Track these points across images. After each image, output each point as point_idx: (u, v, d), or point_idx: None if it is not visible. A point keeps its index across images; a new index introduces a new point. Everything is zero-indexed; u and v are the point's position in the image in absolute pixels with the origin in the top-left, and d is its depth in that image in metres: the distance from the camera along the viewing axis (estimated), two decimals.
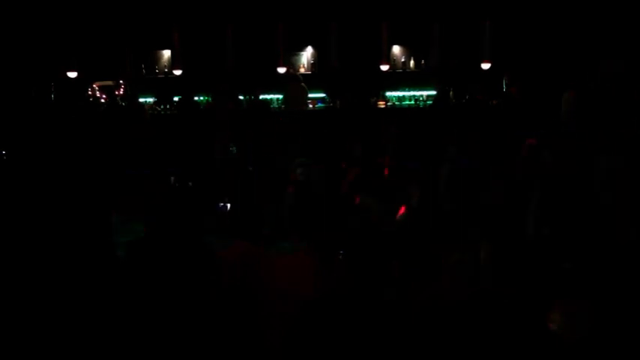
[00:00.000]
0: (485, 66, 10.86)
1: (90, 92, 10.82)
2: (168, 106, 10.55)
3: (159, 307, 1.89)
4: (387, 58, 11.05)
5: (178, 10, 10.63)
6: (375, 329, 1.90)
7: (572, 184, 5.12)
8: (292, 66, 11.23)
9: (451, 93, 10.61)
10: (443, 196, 5.85)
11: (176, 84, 10.86)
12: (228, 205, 4.29)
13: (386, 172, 6.10)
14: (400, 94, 11.01)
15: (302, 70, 11.15)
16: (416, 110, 10.51)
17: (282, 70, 10.96)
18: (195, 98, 10.56)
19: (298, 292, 2.00)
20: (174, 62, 11.11)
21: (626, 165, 5.65)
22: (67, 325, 1.66)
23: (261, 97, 10.26)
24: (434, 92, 10.79)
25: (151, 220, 2.57)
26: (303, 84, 10.30)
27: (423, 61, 11.14)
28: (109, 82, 10.81)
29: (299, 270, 2.07)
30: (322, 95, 10.87)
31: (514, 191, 5.19)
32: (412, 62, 11.20)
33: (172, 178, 3.35)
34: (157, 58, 11.38)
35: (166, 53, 11.31)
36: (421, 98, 10.95)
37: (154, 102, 10.81)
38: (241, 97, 9.91)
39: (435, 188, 6.10)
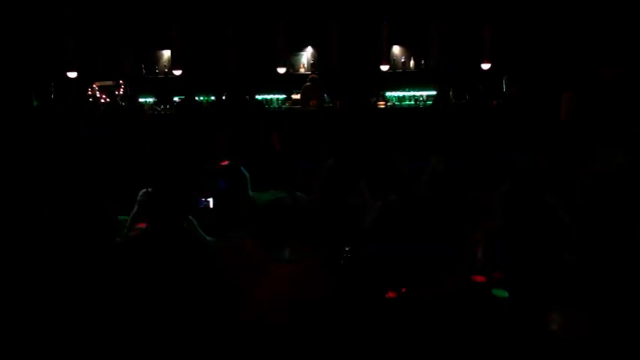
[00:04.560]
0: (486, 66, 10.86)
1: (90, 92, 10.82)
2: (168, 106, 10.55)
3: (154, 301, 1.89)
4: (387, 58, 11.05)
5: (178, 10, 10.63)
6: (375, 333, 1.90)
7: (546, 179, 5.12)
8: (292, 66, 11.23)
9: (451, 93, 10.61)
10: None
11: (176, 84, 10.86)
12: (210, 201, 4.32)
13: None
14: (400, 94, 11.01)
15: (302, 70, 11.15)
16: (416, 110, 10.50)
17: (282, 70, 10.95)
18: (195, 98, 10.56)
19: (298, 293, 2.00)
20: (174, 62, 11.11)
21: (625, 163, 5.65)
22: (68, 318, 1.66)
23: (259, 97, 10.26)
24: (434, 92, 10.80)
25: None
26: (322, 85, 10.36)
27: (422, 61, 11.14)
28: (109, 82, 10.82)
29: (300, 270, 2.06)
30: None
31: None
32: (412, 62, 11.20)
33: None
34: (157, 58, 11.38)
35: (166, 53, 11.31)
36: (421, 98, 10.94)
37: (154, 102, 10.81)
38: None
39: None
